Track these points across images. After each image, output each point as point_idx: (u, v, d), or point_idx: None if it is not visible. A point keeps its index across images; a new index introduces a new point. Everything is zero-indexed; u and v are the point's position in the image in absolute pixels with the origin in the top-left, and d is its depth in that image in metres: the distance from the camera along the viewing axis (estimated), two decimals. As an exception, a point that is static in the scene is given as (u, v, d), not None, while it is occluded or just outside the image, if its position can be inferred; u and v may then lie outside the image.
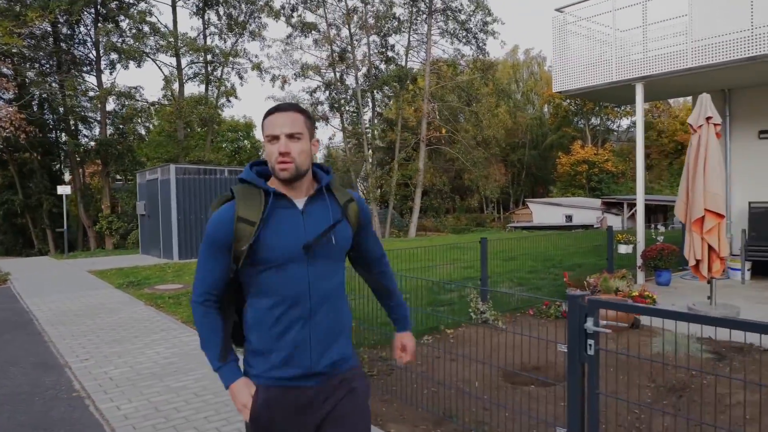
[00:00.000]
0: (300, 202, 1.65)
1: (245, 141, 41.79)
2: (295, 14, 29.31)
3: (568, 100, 46.34)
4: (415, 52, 32.14)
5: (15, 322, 7.49)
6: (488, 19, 29.13)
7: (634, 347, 5.04)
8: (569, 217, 34.38)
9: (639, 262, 8.14)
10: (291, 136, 1.60)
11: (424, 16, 29.95)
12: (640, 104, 8.04)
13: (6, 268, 13.05)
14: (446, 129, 31.75)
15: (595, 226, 29.49)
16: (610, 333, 3.24)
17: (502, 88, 34.64)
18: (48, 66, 26.90)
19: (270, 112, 1.63)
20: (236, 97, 28.84)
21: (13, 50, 23.82)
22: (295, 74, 30.63)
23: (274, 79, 30.19)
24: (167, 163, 14.32)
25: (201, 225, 13.92)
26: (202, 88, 28.76)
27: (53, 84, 25.87)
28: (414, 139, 31.23)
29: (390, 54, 31.80)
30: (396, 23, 30.15)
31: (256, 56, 65.15)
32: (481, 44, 30.23)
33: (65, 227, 19.02)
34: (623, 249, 9.49)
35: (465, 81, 31.15)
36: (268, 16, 28.26)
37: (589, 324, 2.64)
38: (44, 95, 26.09)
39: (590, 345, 2.54)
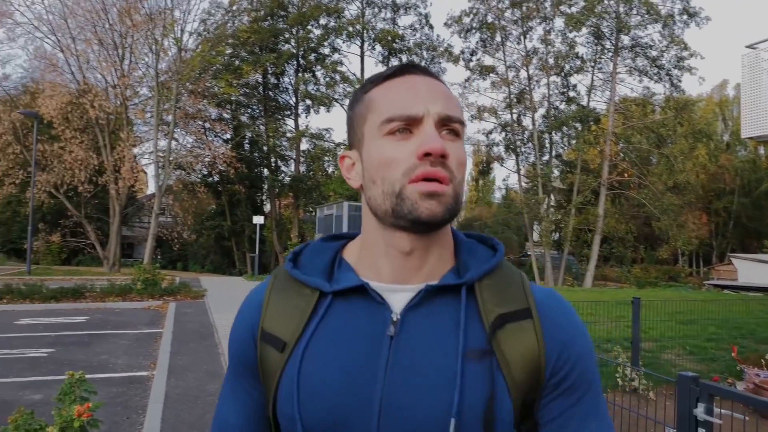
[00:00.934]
0: (400, 301, 0.75)
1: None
2: (474, 58, 30.18)
3: (791, 141, 39.84)
4: (599, 91, 30.71)
5: (201, 334, 8.85)
6: (684, 53, 26.72)
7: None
8: (786, 279, 29.09)
9: None
10: (447, 125, 0.74)
11: (610, 54, 28.58)
12: None
13: (205, 285, 15.39)
14: (633, 172, 29.51)
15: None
16: (721, 423, 2.83)
17: (700, 128, 31.16)
18: (257, 111, 31.42)
19: (391, 74, 0.77)
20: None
21: (232, 98, 28.42)
22: (471, 116, 31.33)
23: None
24: (341, 201, 15.67)
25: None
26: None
27: (260, 126, 30.11)
28: (594, 182, 29.58)
29: (571, 94, 30.84)
30: (578, 62, 29.24)
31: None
32: (675, 81, 27.78)
33: (257, 252, 21.73)
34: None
35: (655, 121, 28.77)
36: (447, 61, 29.56)
37: (700, 411, 2.42)
38: (252, 136, 30.47)
39: (701, 435, 2.32)
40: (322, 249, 0.83)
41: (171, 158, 23.27)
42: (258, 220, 20.17)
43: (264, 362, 0.78)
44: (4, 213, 28.91)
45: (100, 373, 6.14)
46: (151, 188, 32.59)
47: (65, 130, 22.39)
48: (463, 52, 29.90)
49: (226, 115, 30.81)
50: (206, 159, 26.61)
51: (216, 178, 31.81)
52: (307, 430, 0.72)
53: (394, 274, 0.75)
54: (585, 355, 0.75)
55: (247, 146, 31.05)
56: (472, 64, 30.12)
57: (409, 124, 0.72)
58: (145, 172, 26.04)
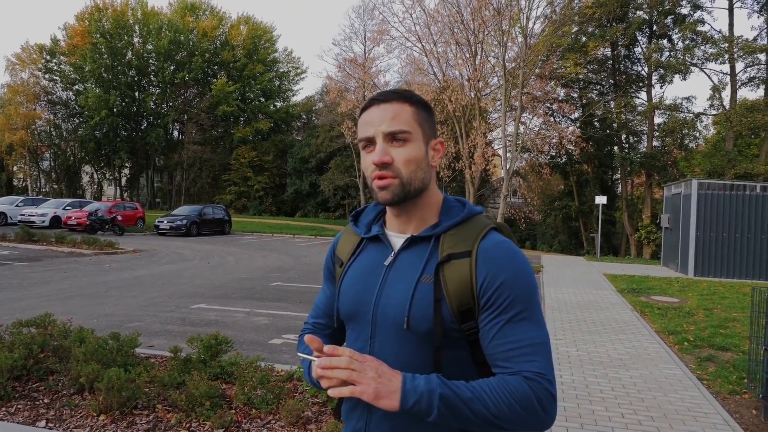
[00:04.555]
0: (397, 244, 1.24)
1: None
2: None
3: None
4: None
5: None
6: None
7: None
8: None
9: None
10: (392, 137, 1.16)
11: None
12: None
13: (544, 263, 16.29)
14: None
15: None
16: None
17: None
18: (607, 87, 30.33)
19: (365, 107, 1.21)
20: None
21: (579, 77, 28.27)
22: None
23: None
24: (690, 179, 14.26)
25: (722, 244, 13.24)
26: (760, 92, 25.86)
27: (610, 103, 29.05)
28: None
29: None
30: None
31: None
32: None
33: (598, 232, 21.40)
34: None
35: None
36: None
37: None
38: (601, 113, 29.64)
39: None
40: (371, 211, 1.35)
41: (518, 142, 24.88)
42: (600, 200, 19.89)
43: (334, 272, 1.36)
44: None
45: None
46: (503, 171, 35.25)
47: (430, 124, 26.42)
48: None
49: (573, 95, 30.83)
50: (553, 140, 27.36)
51: (563, 159, 32.22)
52: (341, 315, 1.28)
53: (397, 227, 1.25)
54: (509, 284, 1.12)
55: (596, 124, 30.38)
56: None
57: (370, 142, 1.18)
58: (499, 156, 28.37)
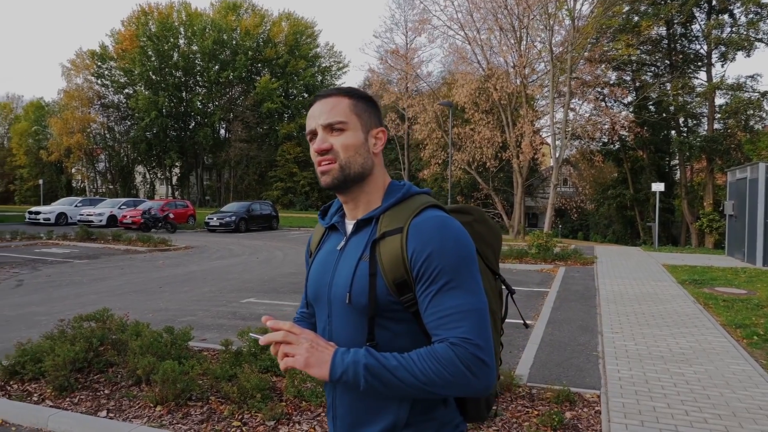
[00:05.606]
0: (349, 229, 1.34)
1: None
2: None
3: None
4: None
5: (583, 295, 9.54)
6: None
7: None
8: None
9: None
10: (330, 128, 1.26)
11: None
12: None
13: (598, 253, 15.83)
14: None
15: None
16: None
17: None
18: (661, 68, 29.14)
19: (310, 104, 1.33)
20: None
21: (631, 58, 27.27)
22: None
23: None
24: (756, 162, 13.53)
25: (793, 230, 12.51)
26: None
27: (666, 84, 27.90)
28: None
29: None
30: None
31: None
32: None
33: (655, 221, 20.67)
34: None
35: None
36: None
37: None
38: (657, 96, 28.50)
39: None
40: (336, 204, 1.43)
41: (567, 129, 24.24)
42: (657, 187, 19.12)
43: (307, 263, 1.47)
44: (432, 188, 35.81)
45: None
46: (552, 160, 34.47)
47: (474, 114, 26.11)
48: None
49: (626, 78, 29.77)
50: (605, 126, 26.51)
51: (616, 146, 31.21)
52: (308, 299, 1.39)
53: (349, 213, 1.35)
54: (437, 255, 1.17)
55: (651, 108, 29.27)
56: None
57: (313, 134, 1.29)
58: (548, 144, 27.76)
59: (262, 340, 1.19)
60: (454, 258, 1.17)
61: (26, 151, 55.54)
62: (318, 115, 1.28)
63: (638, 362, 5.52)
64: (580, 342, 6.44)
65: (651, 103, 29.10)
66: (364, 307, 1.21)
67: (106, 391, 4.37)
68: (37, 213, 27.06)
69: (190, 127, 54.00)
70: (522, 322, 1.73)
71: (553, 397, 4.37)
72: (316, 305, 1.36)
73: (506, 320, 1.45)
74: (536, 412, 4.12)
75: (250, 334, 1.32)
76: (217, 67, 51.36)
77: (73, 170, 55.73)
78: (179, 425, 3.80)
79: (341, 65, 57.88)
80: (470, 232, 1.29)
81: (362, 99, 1.31)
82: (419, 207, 1.25)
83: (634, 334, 6.64)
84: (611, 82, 27.55)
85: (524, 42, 25.49)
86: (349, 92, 1.30)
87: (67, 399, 4.22)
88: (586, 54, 24.18)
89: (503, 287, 1.43)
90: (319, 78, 56.08)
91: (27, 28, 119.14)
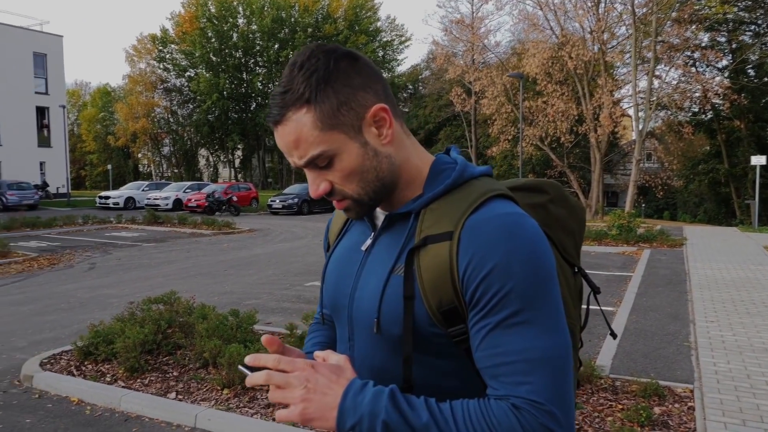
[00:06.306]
0: (380, 220, 1.04)
1: None
2: None
3: None
4: None
5: (670, 280, 9.09)
6: None
7: None
8: None
9: None
10: (313, 164, 0.95)
11: None
12: None
13: (688, 234, 15.03)
14: None
15: None
16: None
17: None
18: (762, 26, 27.05)
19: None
20: None
21: (727, 17, 25.43)
22: None
23: None
24: None
25: None
26: None
27: (766, 45, 25.92)
28: None
29: None
30: None
31: None
32: None
33: (755, 199, 19.38)
34: None
35: None
36: None
37: None
38: (757, 58, 26.52)
39: None
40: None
41: (652, 99, 23.02)
42: (758, 160, 17.86)
43: (326, 256, 1.18)
44: (502, 166, 35.02)
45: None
46: (634, 133, 32.90)
47: (547, 85, 25.22)
48: None
49: (720, 39, 27.87)
50: (695, 94, 24.98)
51: (708, 116, 29.40)
52: (325, 307, 1.18)
53: (383, 206, 1.02)
54: (501, 272, 0.85)
55: (750, 72, 27.27)
56: None
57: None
58: (629, 116, 26.50)
59: (248, 381, 0.90)
60: (528, 279, 0.85)
61: (95, 137, 58.88)
62: (287, 153, 0.95)
63: (737, 355, 5.20)
64: (669, 331, 6.13)
65: (750, 66, 27.15)
66: (399, 340, 0.93)
67: (175, 373, 4.57)
68: (107, 198, 28.74)
69: (251, 108, 55.34)
70: (609, 331, 1.35)
71: (640, 390, 4.18)
72: (335, 318, 1.09)
73: (589, 306, 1.20)
74: (620, 406, 3.96)
75: (239, 366, 0.98)
76: (276, 46, 52.21)
77: (140, 155, 58.60)
78: (246, 408, 3.92)
79: (403, 39, 57.35)
80: (545, 217, 1.05)
81: (323, 88, 0.90)
82: (478, 198, 0.92)
83: (732, 324, 6.26)
84: (703, 44, 25.88)
85: (602, 4, 24.30)
86: (302, 96, 0.90)
87: (138, 380, 4.44)
88: (673, 14, 22.76)
89: (584, 284, 1.15)
90: (381, 53, 55.86)
91: (92, 15, 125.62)
